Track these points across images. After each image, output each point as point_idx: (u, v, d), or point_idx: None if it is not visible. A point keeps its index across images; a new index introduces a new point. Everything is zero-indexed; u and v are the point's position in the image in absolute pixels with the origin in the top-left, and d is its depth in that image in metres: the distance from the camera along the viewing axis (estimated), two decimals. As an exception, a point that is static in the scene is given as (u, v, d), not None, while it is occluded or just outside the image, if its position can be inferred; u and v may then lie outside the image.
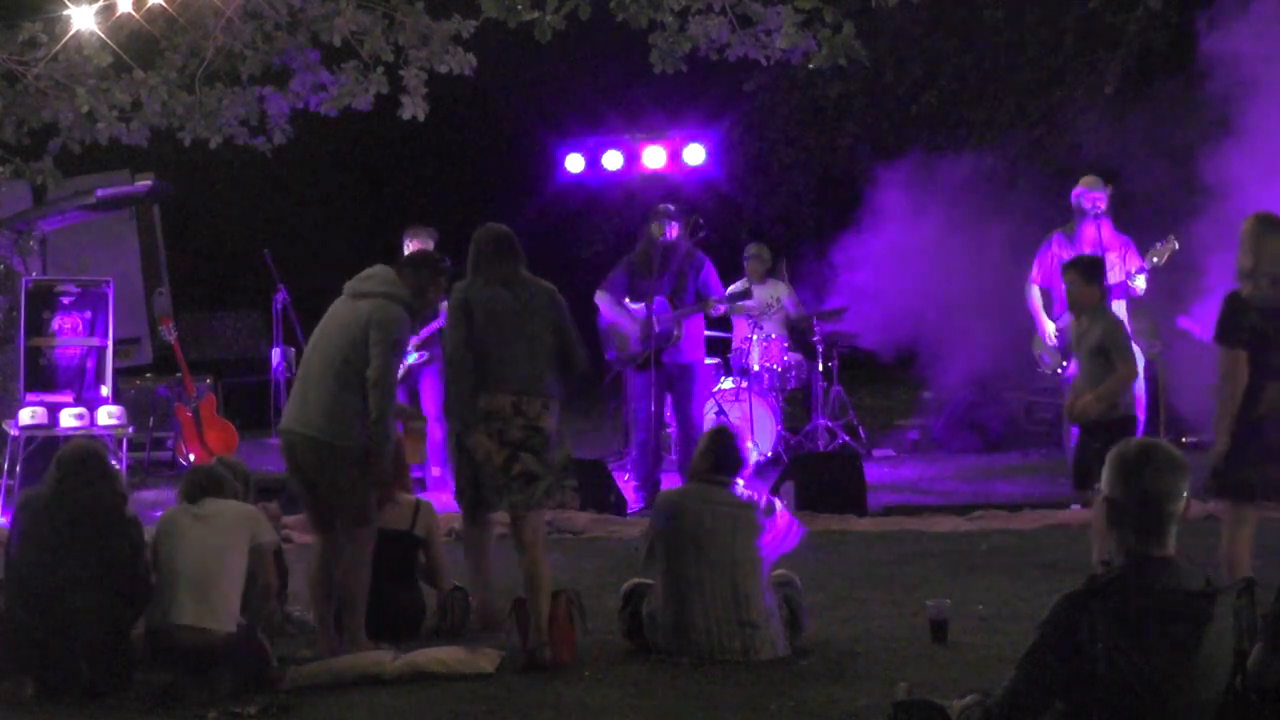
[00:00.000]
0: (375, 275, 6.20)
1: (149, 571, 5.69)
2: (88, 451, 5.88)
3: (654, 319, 9.55)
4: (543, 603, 5.92)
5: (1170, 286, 9.69)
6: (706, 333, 10.73)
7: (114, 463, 9.63)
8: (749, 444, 10.74)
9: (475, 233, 6.44)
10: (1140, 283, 9.26)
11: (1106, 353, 7.14)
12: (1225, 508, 6.14)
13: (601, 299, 9.87)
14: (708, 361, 10.60)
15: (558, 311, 6.28)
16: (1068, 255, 9.41)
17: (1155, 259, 9.12)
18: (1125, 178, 11.75)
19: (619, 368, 10.24)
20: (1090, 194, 9.31)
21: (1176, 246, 9.09)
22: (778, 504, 6.26)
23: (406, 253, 10.31)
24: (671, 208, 9.91)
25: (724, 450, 6.17)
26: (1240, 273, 6.14)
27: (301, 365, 6.19)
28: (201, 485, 5.84)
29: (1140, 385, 9.36)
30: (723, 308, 9.92)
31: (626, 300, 9.78)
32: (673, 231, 9.71)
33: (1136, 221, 10.12)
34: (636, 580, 6.25)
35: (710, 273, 9.82)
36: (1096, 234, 9.26)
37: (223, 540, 5.64)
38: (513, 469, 6.04)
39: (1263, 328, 5.99)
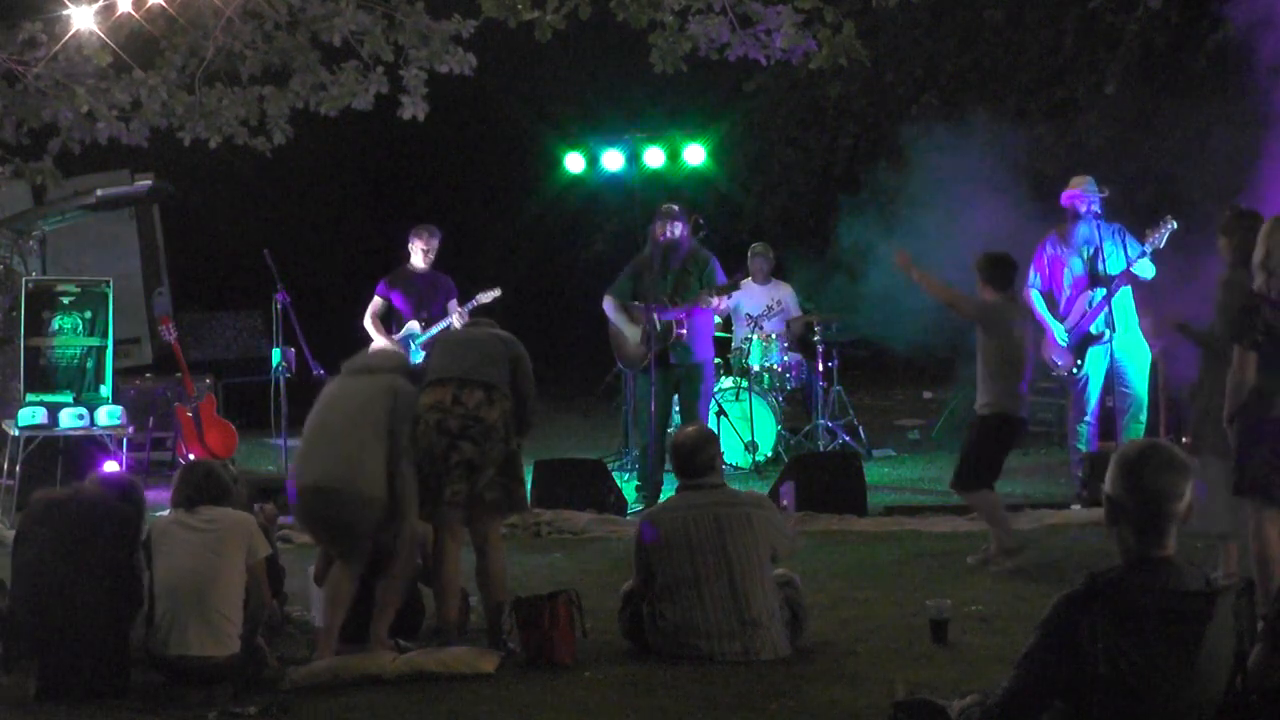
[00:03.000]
0: (386, 353, 6.53)
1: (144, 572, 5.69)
2: (121, 478, 5.97)
3: (655, 319, 9.52)
4: (499, 598, 6.21)
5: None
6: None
7: (112, 462, 9.66)
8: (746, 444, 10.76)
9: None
10: (1145, 268, 9.22)
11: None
12: (1249, 508, 6.09)
13: (607, 304, 9.87)
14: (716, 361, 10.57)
15: (503, 350, 6.46)
16: (1063, 256, 9.43)
17: (1154, 242, 9.10)
18: (1135, 176, 11.75)
19: (629, 371, 10.22)
20: (1080, 195, 9.30)
21: (1175, 226, 9.07)
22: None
23: (414, 259, 10.38)
24: (675, 207, 9.89)
25: (690, 453, 6.18)
26: (1254, 267, 6.12)
27: (317, 428, 6.22)
28: (200, 489, 5.76)
29: (1135, 383, 9.39)
30: (715, 300, 9.82)
31: (634, 302, 9.77)
32: (674, 231, 9.69)
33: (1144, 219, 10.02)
34: (636, 581, 6.27)
35: (716, 270, 9.78)
36: (1090, 232, 9.25)
37: (220, 559, 5.58)
38: (451, 457, 6.12)
39: (1275, 323, 5.93)
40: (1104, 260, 9.11)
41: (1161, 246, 9.11)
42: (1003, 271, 7.88)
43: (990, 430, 7.85)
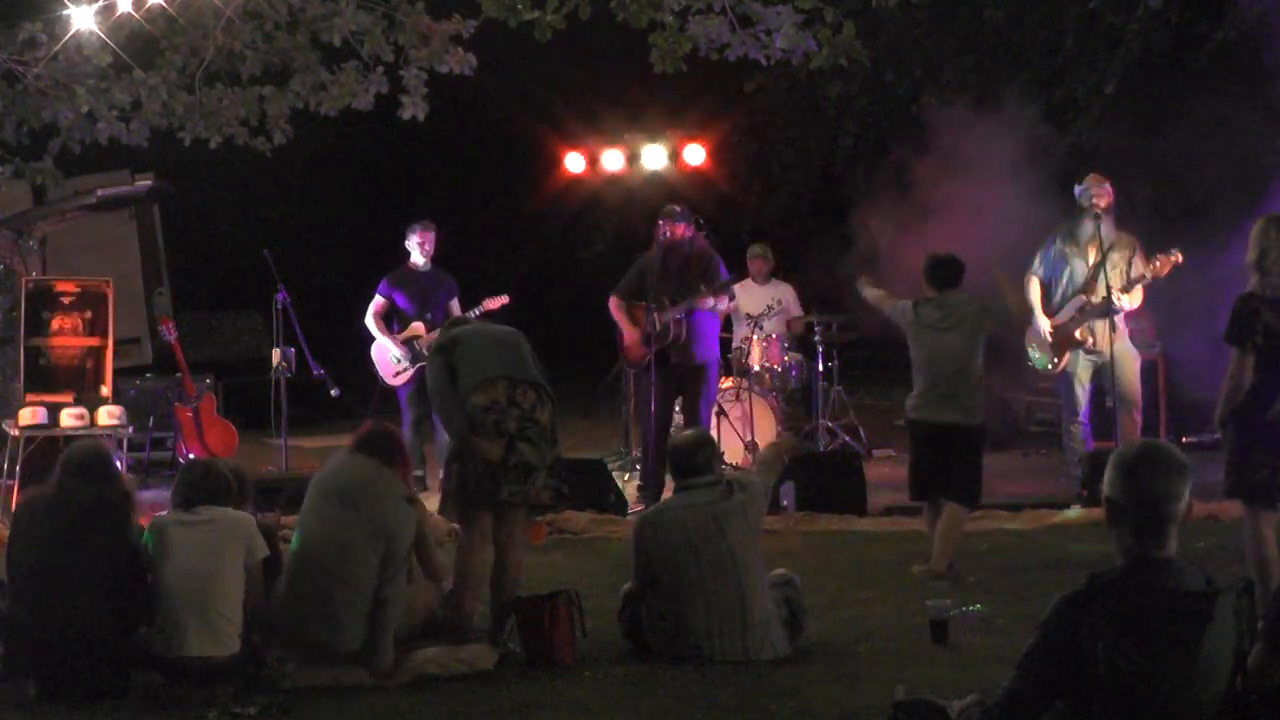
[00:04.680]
0: (386, 486, 5.93)
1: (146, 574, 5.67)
2: (92, 452, 5.86)
3: (654, 319, 9.52)
4: (508, 597, 6.18)
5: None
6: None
7: (118, 463, 9.65)
8: (745, 442, 10.75)
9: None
10: (1128, 301, 9.24)
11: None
12: (1244, 510, 6.06)
13: (612, 305, 9.88)
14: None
15: (528, 348, 6.47)
16: (1069, 254, 9.44)
17: (1153, 271, 9.12)
18: (1137, 176, 11.73)
19: (633, 370, 10.22)
20: (1091, 191, 9.31)
21: (1179, 260, 9.07)
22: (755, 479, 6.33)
23: (414, 256, 10.38)
24: (677, 208, 9.88)
25: (687, 454, 6.18)
26: (1246, 267, 6.11)
27: (299, 568, 5.85)
28: (197, 488, 5.75)
29: (1128, 384, 9.38)
30: (710, 299, 9.76)
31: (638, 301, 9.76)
32: (676, 231, 9.68)
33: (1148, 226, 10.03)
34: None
35: (720, 269, 9.77)
36: (1097, 231, 9.26)
37: (219, 559, 5.56)
38: (509, 459, 6.09)
39: (1275, 325, 5.91)
40: (1107, 274, 9.10)
41: (1164, 275, 9.12)
42: (938, 273, 7.71)
43: (910, 437, 7.91)
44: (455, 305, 10.36)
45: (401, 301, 10.38)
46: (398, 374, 10.31)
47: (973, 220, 9.24)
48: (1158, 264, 9.10)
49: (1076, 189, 9.43)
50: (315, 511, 5.93)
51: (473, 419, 6.11)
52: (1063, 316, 9.41)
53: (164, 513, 5.84)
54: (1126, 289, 9.19)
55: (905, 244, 9.02)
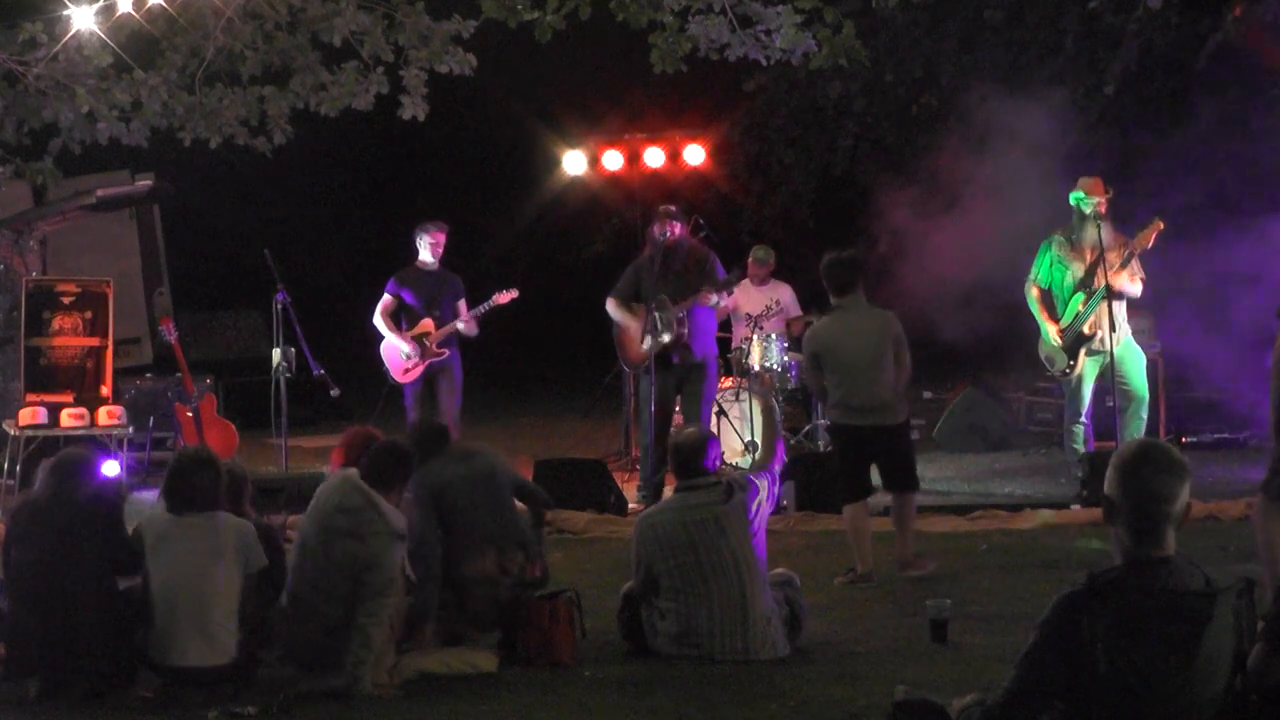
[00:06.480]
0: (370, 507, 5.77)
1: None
2: (80, 457, 5.87)
3: (656, 319, 9.53)
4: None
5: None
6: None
7: (117, 464, 9.66)
8: (744, 443, 10.76)
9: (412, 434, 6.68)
10: (1126, 283, 9.22)
11: None
12: (1267, 505, 5.98)
13: (609, 305, 9.89)
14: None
15: (505, 471, 6.54)
16: (1066, 257, 9.44)
17: (1139, 245, 9.13)
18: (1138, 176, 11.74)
19: (632, 372, 10.24)
20: (1088, 194, 9.30)
21: (1161, 227, 9.09)
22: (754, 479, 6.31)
23: (423, 255, 10.35)
24: (673, 208, 9.91)
25: (685, 455, 6.16)
26: None
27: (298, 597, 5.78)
28: (194, 489, 5.66)
29: (1135, 382, 9.37)
30: (715, 297, 9.75)
31: (636, 302, 9.78)
32: (674, 231, 9.70)
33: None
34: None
35: (716, 267, 9.79)
36: (1096, 232, 9.26)
37: (218, 569, 5.54)
38: (501, 619, 6.17)
39: None
40: (1105, 269, 9.10)
41: (1149, 248, 9.12)
42: (833, 276, 7.57)
43: (833, 441, 7.87)
44: (462, 306, 10.35)
45: (409, 299, 10.37)
46: (407, 371, 10.31)
47: (986, 214, 9.24)
48: (1141, 237, 9.10)
49: (1073, 192, 9.42)
50: (309, 536, 5.79)
51: (465, 589, 6.19)
52: (1067, 318, 9.40)
53: (159, 510, 5.80)
54: (1122, 267, 9.19)
55: (915, 241, 9.01)
